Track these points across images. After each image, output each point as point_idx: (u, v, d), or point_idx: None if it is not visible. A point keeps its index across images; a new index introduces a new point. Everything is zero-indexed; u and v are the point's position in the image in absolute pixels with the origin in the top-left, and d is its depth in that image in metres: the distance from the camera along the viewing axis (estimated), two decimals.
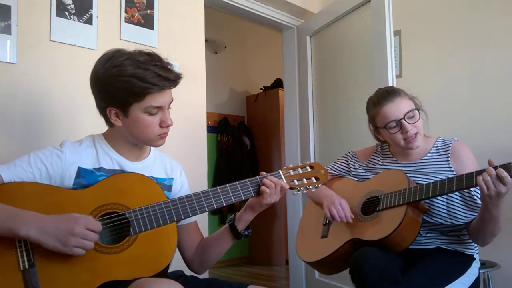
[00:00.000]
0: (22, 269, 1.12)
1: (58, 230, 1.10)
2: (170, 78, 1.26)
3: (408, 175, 1.60)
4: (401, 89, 1.66)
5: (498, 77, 2.57)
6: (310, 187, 1.36)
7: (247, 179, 1.32)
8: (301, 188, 1.36)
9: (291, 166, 1.39)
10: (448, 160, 1.61)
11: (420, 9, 2.91)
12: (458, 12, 2.74)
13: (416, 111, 1.61)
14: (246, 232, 1.38)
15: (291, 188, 1.35)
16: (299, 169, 1.38)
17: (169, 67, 1.28)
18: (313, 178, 1.37)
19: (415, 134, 1.59)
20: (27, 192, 1.20)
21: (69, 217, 1.13)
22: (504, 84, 2.54)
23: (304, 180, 1.36)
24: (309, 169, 1.38)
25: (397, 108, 1.59)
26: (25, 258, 1.13)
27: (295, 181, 1.36)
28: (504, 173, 1.31)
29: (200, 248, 1.43)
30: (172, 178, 1.46)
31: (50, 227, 1.10)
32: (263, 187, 1.30)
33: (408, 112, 1.59)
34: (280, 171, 1.36)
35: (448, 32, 2.77)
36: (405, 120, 1.58)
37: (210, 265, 1.46)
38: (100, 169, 1.30)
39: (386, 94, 1.63)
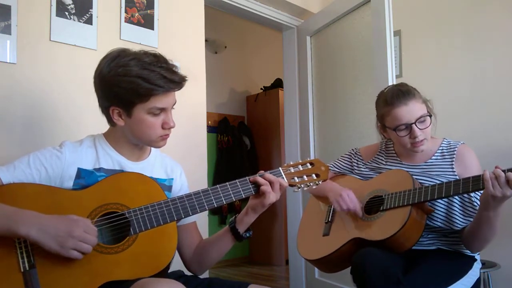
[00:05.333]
0: (22, 270, 1.11)
1: (57, 231, 1.10)
2: (175, 80, 1.26)
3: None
4: (416, 90, 1.60)
5: (498, 77, 2.56)
6: (311, 184, 1.36)
7: (247, 177, 1.31)
8: (302, 185, 1.35)
9: (291, 163, 1.38)
10: (452, 164, 1.59)
11: (420, 9, 2.91)
12: (459, 12, 2.74)
13: (428, 117, 1.57)
14: (247, 234, 1.38)
15: (291, 185, 1.34)
16: (300, 166, 1.37)
17: (174, 69, 1.28)
18: (314, 175, 1.36)
19: (423, 139, 1.57)
20: (27, 193, 1.19)
21: (68, 218, 1.13)
22: (504, 84, 2.54)
23: (305, 177, 1.36)
24: (310, 166, 1.37)
25: (409, 112, 1.54)
26: (25, 259, 1.12)
27: (296, 178, 1.35)
28: None
29: (199, 249, 1.43)
30: (172, 179, 1.45)
31: (49, 228, 1.10)
32: (263, 187, 1.28)
33: (420, 117, 1.55)
34: (280, 168, 1.35)
35: (448, 32, 2.78)
36: (416, 125, 1.54)
37: (209, 266, 1.45)
38: (100, 169, 1.30)
39: (401, 95, 1.56)
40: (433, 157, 1.63)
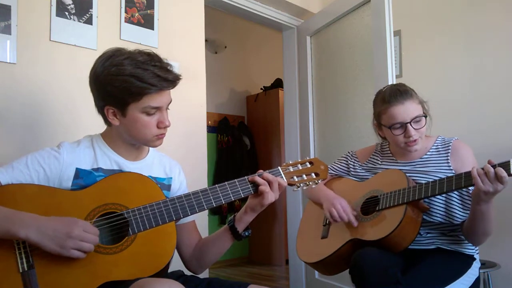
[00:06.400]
0: (21, 271, 1.11)
1: (56, 232, 1.10)
2: (168, 79, 1.26)
3: (407, 174, 1.60)
4: (413, 90, 1.64)
5: (498, 77, 2.56)
6: (310, 183, 1.36)
7: (246, 177, 1.31)
8: (301, 185, 1.35)
9: (290, 162, 1.38)
10: (448, 159, 1.60)
11: (420, 9, 2.91)
12: (458, 12, 2.74)
13: (423, 117, 1.59)
14: (246, 233, 1.38)
15: (290, 184, 1.34)
16: (299, 165, 1.37)
17: (168, 67, 1.28)
18: (313, 174, 1.36)
19: (417, 139, 1.59)
20: (26, 194, 1.19)
21: (67, 219, 1.13)
22: (504, 84, 2.54)
23: (304, 176, 1.36)
24: (309, 165, 1.37)
25: (405, 111, 1.57)
26: (24, 260, 1.12)
27: (295, 177, 1.35)
28: (504, 173, 1.32)
29: (198, 248, 1.43)
30: (171, 178, 1.45)
31: (48, 229, 1.10)
32: (262, 187, 1.28)
33: (415, 117, 1.57)
34: (279, 167, 1.35)
35: (448, 32, 2.77)
36: (411, 124, 1.57)
37: (208, 265, 1.45)
38: (98, 169, 1.30)
39: (398, 94, 1.59)
40: (428, 153, 1.66)
